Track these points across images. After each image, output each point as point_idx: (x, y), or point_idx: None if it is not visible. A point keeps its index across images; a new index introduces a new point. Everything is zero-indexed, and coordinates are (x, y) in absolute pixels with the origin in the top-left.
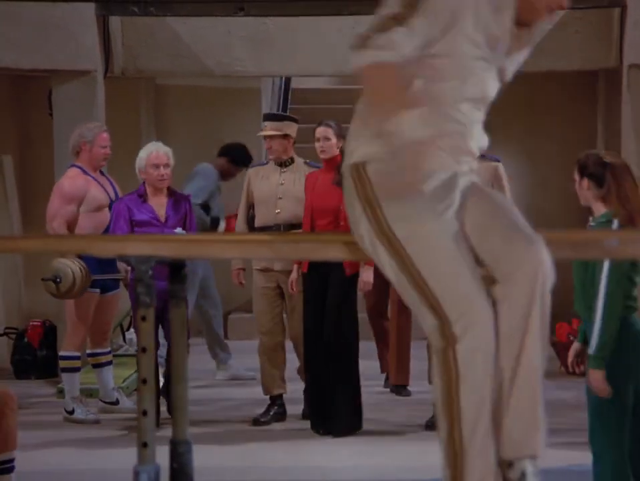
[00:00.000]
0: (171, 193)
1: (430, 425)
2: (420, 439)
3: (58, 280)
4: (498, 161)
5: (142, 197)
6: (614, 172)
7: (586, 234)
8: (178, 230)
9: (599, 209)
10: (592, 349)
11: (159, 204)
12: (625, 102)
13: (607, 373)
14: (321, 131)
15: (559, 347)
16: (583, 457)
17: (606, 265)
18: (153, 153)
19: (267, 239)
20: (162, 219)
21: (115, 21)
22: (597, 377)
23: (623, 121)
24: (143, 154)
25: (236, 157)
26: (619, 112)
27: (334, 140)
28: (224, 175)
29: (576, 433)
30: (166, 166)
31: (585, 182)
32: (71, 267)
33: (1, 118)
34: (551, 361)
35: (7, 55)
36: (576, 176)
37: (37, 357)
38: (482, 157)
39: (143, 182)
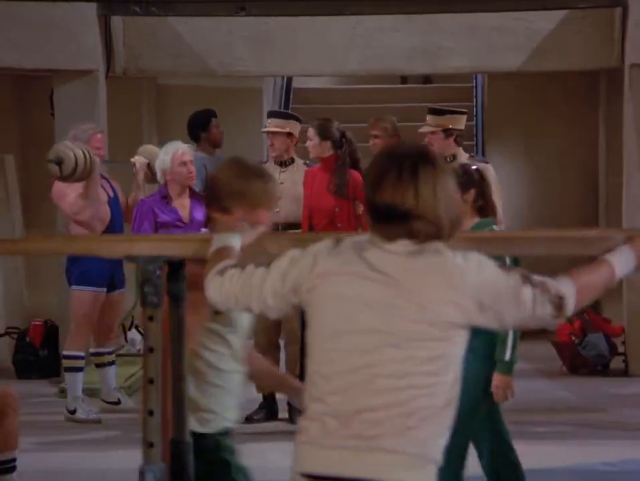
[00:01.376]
0: (192, 193)
1: None
2: None
3: (60, 162)
4: (487, 163)
5: (166, 198)
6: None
7: (594, 232)
8: (204, 230)
9: (474, 218)
10: (507, 355)
11: (182, 205)
12: (627, 102)
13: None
14: (308, 130)
15: (559, 347)
16: (583, 457)
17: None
18: (179, 151)
19: (272, 237)
20: (186, 220)
21: (116, 21)
22: (508, 383)
23: (625, 120)
24: (166, 155)
25: (202, 122)
26: (621, 112)
27: (316, 140)
28: (217, 143)
29: (576, 433)
30: (192, 162)
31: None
32: (74, 150)
33: (2, 118)
34: (551, 361)
35: (9, 55)
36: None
37: (39, 357)
38: (472, 157)
39: (165, 183)
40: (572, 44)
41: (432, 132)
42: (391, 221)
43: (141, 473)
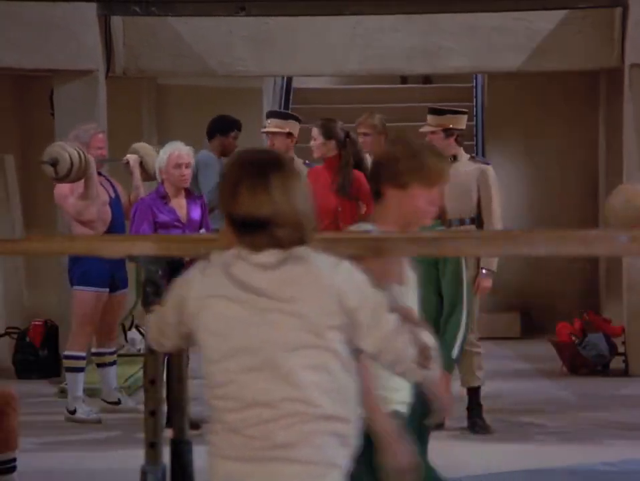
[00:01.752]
0: (188, 193)
1: None
2: None
3: (55, 163)
4: (488, 164)
5: (164, 198)
6: None
7: (597, 232)
8: (202, 231)
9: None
10: (454, 352)
11: (179, 205)
12: (627, 102)
13: None
14: (312, 130)
15: (560, 347)
16: (583, 457)
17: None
18: (175, 152)
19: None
20: (184, 220)
21: (116, 21)
22: (447, 382)
23: (625, 120)
24: (164, 154)
25: (224, 127)
26: (621, 112)
27: (320, 140)
28: (226, 151)
29: (576, 433)
30: (188, 165)
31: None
32: (69, 151)
33: (3, 118)
34: (551, 361)
35: (9, 55)
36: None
37: (39, 357)
38: (473, 158)
39: (162, 182)
40: (572, 44)
41: (433, 132)
42: (253, 231)
43: (143, 473)
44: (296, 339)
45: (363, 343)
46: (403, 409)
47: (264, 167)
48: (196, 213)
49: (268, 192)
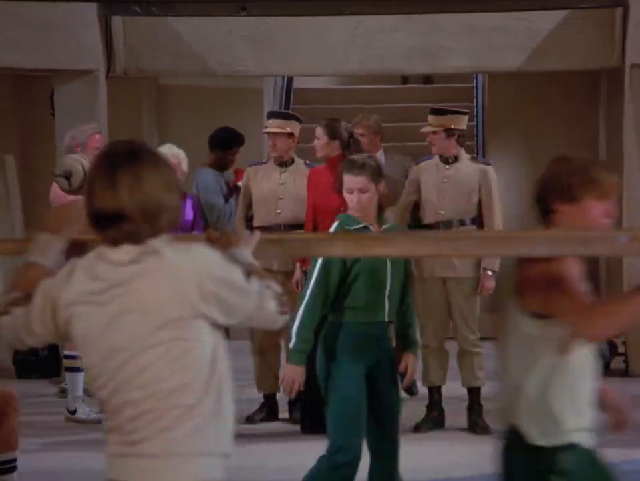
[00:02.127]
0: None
1: (418, 427)
2: (409, 440)
3: (69, 176)
4: (489, 164)
5: None
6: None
7: (597, 232)
8: (195, 233)
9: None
10: (291, 342)
11: None
12: (627, 102)
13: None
14: (316, 130)
15: None
16: None
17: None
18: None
19: (277, 238)
20: None
21: (117, 21)
22: (295, 375)
23: (625, 121)
24: None
25: (226, 144)
26: (621, 112)
27: (324, 139)
28: (222, 166)
29: None
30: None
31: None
32: (82, 162)
33: (3, 118)
34: None
35: (9, 55)
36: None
37: (39, 357)
38: (473, 158)
39: None
40: (572, 44)
41: (434, 132)
42: (105, 227)
43: None
44: (150, 335)
45: (233, 318)
46: (584, 439)
47: (114, 161)
48: (188, 214)
49: (115, 187)
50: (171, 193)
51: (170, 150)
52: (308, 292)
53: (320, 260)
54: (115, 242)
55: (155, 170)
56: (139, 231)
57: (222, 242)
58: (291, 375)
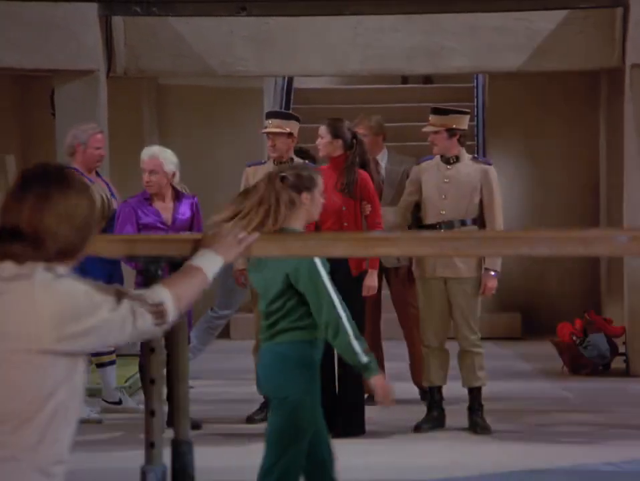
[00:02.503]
0: (177, 196)
1: (418, 427)
2: (408, 440)
3: None
4: (490, 164)
5: (148, 200)
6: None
7: (597, 232)
8: (188, 233)
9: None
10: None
11: (164, 207)
12: (627, 102)
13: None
14: (319, 128)
15: (561, 347)
16: (584, 457)
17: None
18: (144, 158)
19: (277, 238)
20: (168, 222)
21: (117, 21)
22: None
23: (625, 121)
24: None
25: None
26: (621, 112)
27: (327, 138)
28: None
29: (576, 433)
30: (152, 172)
31: None
32: (102, 194)
33: (3, 118)
34: (552, 361)
35: (9, 55)
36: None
37: None
38: (475, 158)
39: None
40: (572, 44)
41: (435, 132)
42: (2, 239)
43: (143, 474)
44: (7, 363)
45: (109, 343)
46: None
47: (30, 180)
48: (185, 214)
49: (22, 204)
50: (70, 226)
51: (148, 153)
52: (337, 304)
53: (320, 271)
54: (1, 257)
55: (64, 200)
56: (22, 253)
57: (203, 241)
58: (381, 383)
